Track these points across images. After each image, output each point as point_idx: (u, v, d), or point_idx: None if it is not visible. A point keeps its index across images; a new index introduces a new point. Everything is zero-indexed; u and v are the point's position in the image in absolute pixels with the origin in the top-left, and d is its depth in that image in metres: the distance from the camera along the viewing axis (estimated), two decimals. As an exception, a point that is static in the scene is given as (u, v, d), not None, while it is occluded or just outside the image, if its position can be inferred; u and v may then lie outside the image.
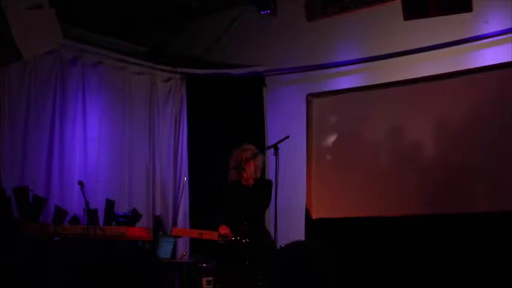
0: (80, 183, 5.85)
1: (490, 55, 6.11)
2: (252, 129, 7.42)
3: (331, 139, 6.96)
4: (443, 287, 5.86)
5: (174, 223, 7.41)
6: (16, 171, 6.41)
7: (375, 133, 6.67)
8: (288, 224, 6.15)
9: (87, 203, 5.79)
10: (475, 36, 6.21)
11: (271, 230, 5.34)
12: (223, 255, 5.34)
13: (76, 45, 6.95)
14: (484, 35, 6.16)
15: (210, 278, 6.45)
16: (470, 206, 5.99)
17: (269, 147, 5.65)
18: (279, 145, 5.30)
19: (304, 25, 7.40)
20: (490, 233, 5.72)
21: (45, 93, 6.76)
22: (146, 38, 8.29)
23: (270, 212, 5.73)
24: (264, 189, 5.44)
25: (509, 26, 6.01)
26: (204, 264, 6.65)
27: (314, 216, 6.83)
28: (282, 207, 5.43)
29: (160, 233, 7.04)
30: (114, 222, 6.55)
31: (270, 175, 6.28)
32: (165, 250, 6.88)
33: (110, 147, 7.26)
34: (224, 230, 5.23)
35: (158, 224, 7.22)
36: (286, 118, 7.38)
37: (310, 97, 7.13)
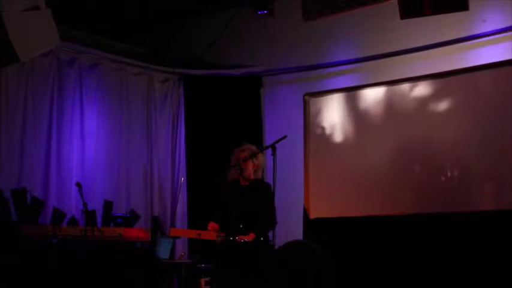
0: (78, 184, 5.85)
1: (487, 54, 6.12)
2: (250, 129, 7.42)
3: (329, 138, 6.97)
4: (443, 286, 5.86)
5: (172, 224, 7.40)
6: (14, 173, 6.40)
7: (372, 132, 6.68)
8: (286, 223, 6.14)
9: (85, 204, 5.79)
10: (472, 35, 6.22)
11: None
12: (221, 255, 5.32)
13: (73, 46, 6.94)
14: (481, 34, 6.17)
15: (208, 279, 6.45)
16: (468, 204, 5.99)
17: (267, 147, 5.63)
18: (276, 145, 5.28)
19: (301, 25, 7.41)
20: (490, 231, 5.72)
21: (43, 94, 6.75)
22: (143, 39, 8.29)
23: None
24: (263, 195, 5.35)
25: (506, 25, 6.02)
26: (203, 265, 6.65)
27: (312, 215, 6.83)
28: (280, 207, 5.42)
29: (159, 234, 7.03)
30: (112, 224, 6.55)
31: (268, 175, 6.28)
32: (163, 251, 6.88)
33: (108, 148, 7.25)
34: (213, 227, 5.20)
35: (156, 224, 7.22)
36: (283, 118, 7.38)
37: (307, 97, 7.14)
